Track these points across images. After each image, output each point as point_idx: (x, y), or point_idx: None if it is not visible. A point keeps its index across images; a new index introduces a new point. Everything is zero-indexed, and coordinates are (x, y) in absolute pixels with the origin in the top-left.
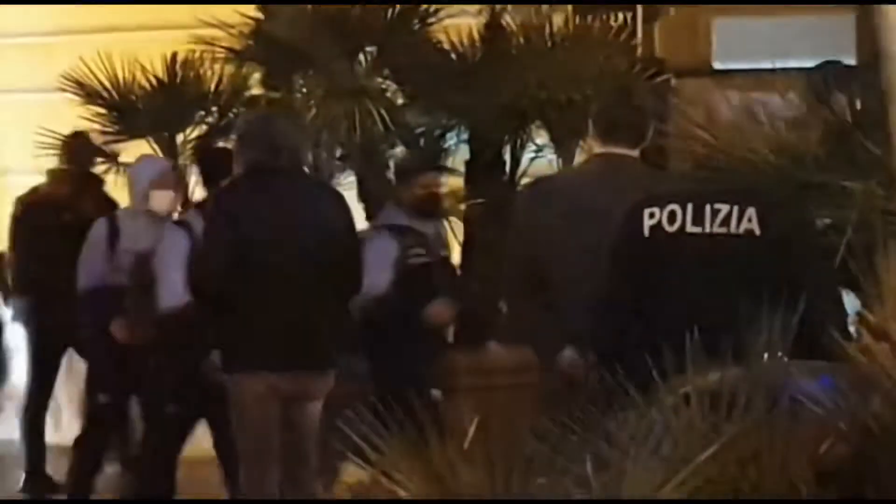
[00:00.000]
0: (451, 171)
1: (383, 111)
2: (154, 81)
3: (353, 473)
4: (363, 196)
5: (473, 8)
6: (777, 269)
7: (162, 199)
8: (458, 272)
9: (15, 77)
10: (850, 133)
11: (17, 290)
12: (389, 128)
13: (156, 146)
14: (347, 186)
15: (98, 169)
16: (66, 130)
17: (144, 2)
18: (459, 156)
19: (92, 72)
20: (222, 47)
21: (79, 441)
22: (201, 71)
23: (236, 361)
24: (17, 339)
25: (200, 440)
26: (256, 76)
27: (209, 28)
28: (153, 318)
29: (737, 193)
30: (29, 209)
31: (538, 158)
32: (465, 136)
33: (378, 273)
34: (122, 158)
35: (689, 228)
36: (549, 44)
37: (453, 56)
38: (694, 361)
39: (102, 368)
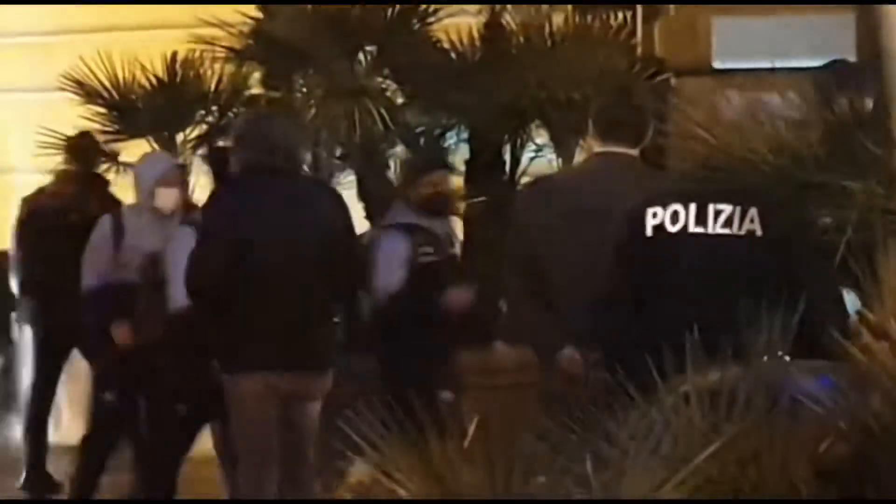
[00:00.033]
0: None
1: (383, 111)
2: (154, 81)
3: (358, 473)
4: (363, 195)
5: (473, 7)
6: (778, 270)
7: (167, 197)
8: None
9: (15, 76)
10: (850, 132)
11: (23, 290)
12: (389, 127)
13: (156, 145)
14: (347, 186)
15: (100, 168)
16: (67, 130)
17: (144, 1)
18: (459, 155)
19: (92, 71)
20: (222, 47)
21: (85, 441)
22: (201, 70)
23: (234, 362)
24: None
25: (200, 440)
26: (256, 76)
27: (209, 27)
28: (163, 318)
29: (739, 194)
30: (35, 209)
31: (538, 158)
32: (464, 135)
33: (390, 272)
34: (122, 158)
35: (692, 229)
36: (549, 43)
37: (453, 55)
38: (694, 361)
39: (108, 367)
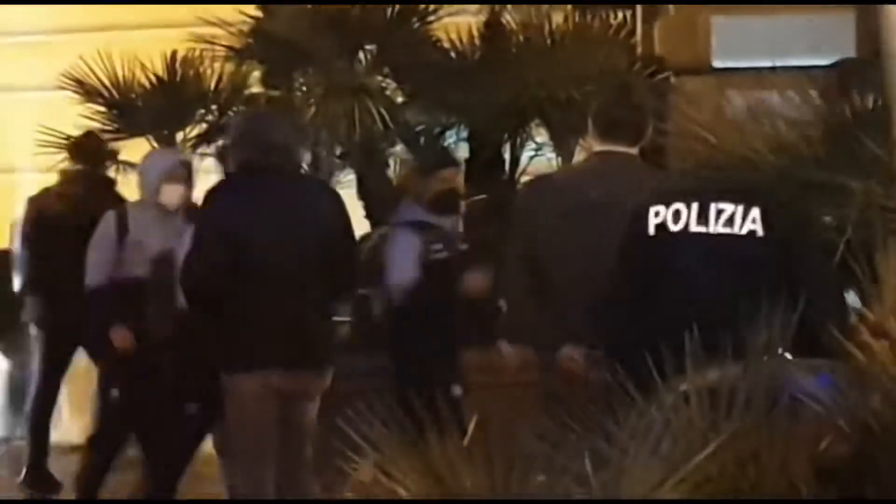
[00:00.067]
0: None
1: (383, 109)
2: (154, 80)
3: (363, 472)
4: (363, 194)
5: (473, 6)
6: (779, 269)
7: (172, 193)
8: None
9: (15, 75)
10: (850, 132)
11: (29, 290)
12: (389, 126)
13: (156, 144)
14: (347, 185)
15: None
16: (67, 129)
17: (144, 1)
18: (459, 154)
19: (92, 70)
20: (222, 46)
21: (91, 439)
22: (201, 69)
23: (231, 361)
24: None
25: None
26: (256, 74)
27: (209, 26)
28: (173, 316)
29: (741, 193)
30: (41, 209)
31: (537, 156)
32: (464, 134)
33: (403, 269)
34: (122, 157)
35: (693, 228)
36: (549, 42)
37: (453, 54)
38: (694, 360)
39: (113, 365)
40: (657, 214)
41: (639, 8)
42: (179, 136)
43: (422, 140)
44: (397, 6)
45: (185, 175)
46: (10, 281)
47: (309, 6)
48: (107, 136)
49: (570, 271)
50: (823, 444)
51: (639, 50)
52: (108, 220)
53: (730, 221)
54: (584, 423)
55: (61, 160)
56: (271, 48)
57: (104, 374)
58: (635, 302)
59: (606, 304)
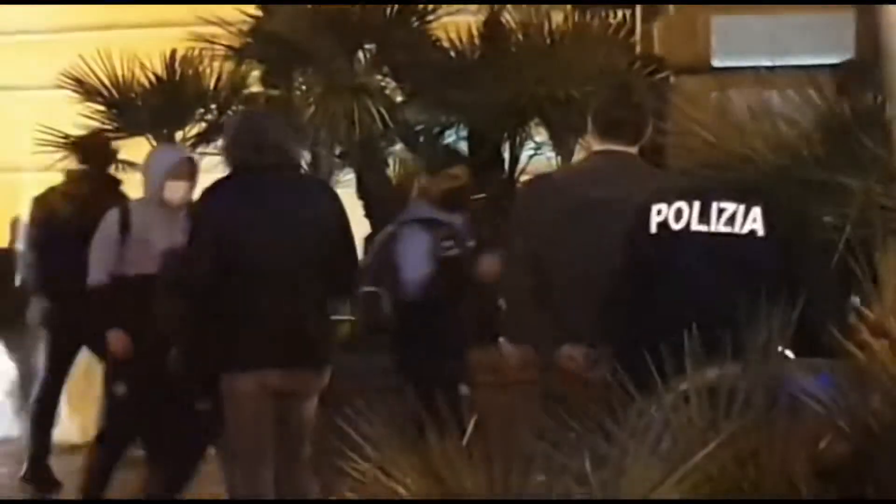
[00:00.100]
0: None
1: (382, 109)
2: (153, 79)
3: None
4: (362, 193)
5: (472, 6)
6: (779, 269)
7: (176, 190)
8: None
9: (15, 74)
10: (850, 131)
11: (34, 289)
12: (388, 125)
13: (155, 143)
14: (347, 184)
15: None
16: (67, 128)
17: (144, 0)
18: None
19: (92, 69)
20: (222, 45)
21: (98, 438)
22: (201, 68)
23: (228, 360)
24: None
25: None
26: (256, 74)
27: (209, 26)
28: (182, 314)
29: (741, 192)
30: (47, 209)
31: (537, 156)
32: (464, 133)
33: (415, 266)
34: (121, 156)
35: (695, 226)
36: (549, 41)
37: (452, 54)
38: (694, 359)
39: (118, 362)
40: (659, 213)
41: (638, 7)
42: (179, 135)
43: (421, 139)
44: (396, 6)
45: (190, 172)
46: (10, 279)
47: (308, 6)
48: (107, 135)
49: (570, 270)
50: (823, 443)
51: (638, 49)
52: (111, 217)
53: (731, 221)
54: (583, 422)
55: (66, 160)
56: (271, 47)
57: (109, 372)
58: (636, 300)
59: (606, 302)
